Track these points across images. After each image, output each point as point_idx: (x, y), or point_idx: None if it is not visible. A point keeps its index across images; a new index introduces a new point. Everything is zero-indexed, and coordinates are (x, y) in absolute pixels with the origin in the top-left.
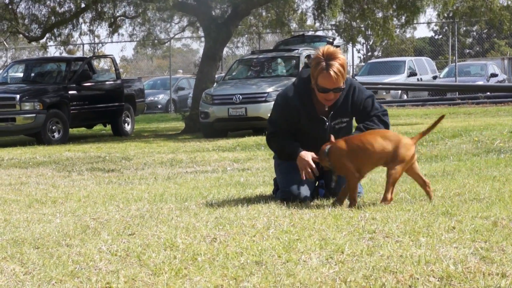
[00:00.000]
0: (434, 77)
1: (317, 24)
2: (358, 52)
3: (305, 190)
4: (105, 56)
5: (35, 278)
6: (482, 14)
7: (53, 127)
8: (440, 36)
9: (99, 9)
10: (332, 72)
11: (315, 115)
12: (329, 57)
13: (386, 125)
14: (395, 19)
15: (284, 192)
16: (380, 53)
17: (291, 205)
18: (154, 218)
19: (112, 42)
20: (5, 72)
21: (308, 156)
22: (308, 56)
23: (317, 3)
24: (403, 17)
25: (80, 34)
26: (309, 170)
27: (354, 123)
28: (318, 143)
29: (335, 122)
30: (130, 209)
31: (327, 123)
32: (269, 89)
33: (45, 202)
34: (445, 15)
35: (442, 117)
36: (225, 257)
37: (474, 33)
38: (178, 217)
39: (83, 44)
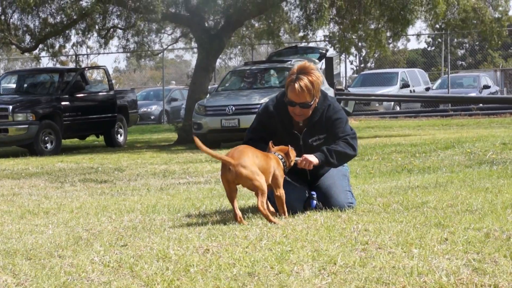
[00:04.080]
0: (427, 89)
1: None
2: (351, 63)
3: (297, 202)
4: (98, 67)
5: None
6: (474, 26)
7: (46, 138)
8: (433, 48)
9: (89, 22)
10: (297, 85)
11: (290, 129)
12: (302, 72)
13: (353, 148)
14: (386, 31)
15: None
16: (373, 64)
17: (283, 216)
18: (147, 229)
19: (104, 53)
20: None
21: None
22: None
23: (305, 14)
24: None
25: (73, 45)
26: None
27: None
28: None
29: (312, 140)
30: (123, 220)
31: (301, 140)
32: (262, 101)
33: (38, 213)
34: (437, 26)
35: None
36: (218, 268)
37: (467, 45)
38: (171, 228)
39: (76, 55)
